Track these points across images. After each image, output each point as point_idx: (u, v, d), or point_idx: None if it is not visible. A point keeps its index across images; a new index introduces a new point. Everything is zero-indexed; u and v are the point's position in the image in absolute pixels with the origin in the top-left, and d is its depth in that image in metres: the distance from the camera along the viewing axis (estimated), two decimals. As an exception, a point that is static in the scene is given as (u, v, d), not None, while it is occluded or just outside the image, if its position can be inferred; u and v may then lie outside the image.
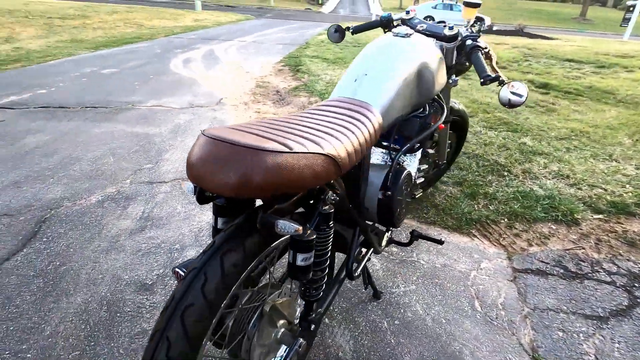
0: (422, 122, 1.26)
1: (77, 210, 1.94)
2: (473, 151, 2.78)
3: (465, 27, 1.40)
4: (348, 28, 1.58)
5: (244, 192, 0.58)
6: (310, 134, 0.72)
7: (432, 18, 1.54)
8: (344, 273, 1.08)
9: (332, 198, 0.77)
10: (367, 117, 0.94)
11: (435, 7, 17.40)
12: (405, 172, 1.21)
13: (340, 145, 0.76)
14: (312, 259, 0.74)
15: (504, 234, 1.91)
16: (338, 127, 0.82)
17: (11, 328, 1.28)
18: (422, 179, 1.60)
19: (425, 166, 1.52)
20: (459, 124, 1.99)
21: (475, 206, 2.11)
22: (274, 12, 21.05)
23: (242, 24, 12.48)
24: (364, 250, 1.23)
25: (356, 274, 1.11)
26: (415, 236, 1.43)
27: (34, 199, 2.02)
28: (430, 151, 1.49)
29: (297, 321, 0.92)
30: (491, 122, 3.39)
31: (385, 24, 1.51)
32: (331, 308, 1.41)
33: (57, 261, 1.59)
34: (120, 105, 3.58)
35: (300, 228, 0.65)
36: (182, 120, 3.26)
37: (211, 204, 0.73)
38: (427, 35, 1.38)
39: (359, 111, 0.95)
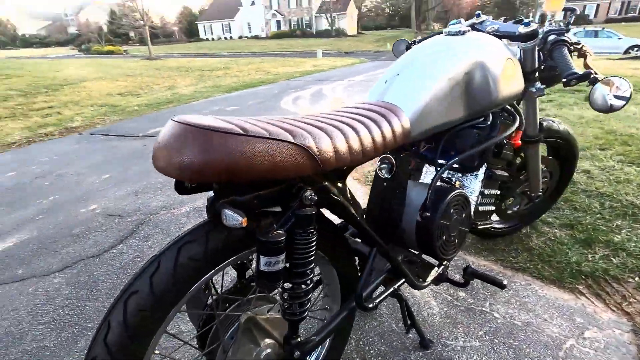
0: (478, 134, 1.05)
1: (169, 217, 2.22)
2: (597, 189, 2.20)
3: (549, 22, 1.15)
4: (414, 42, 1.47)
5: (188, 174, 0.55)
6: (291, 124, 0.66)
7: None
8: (354, 300, 0.92)
9: (311, 198, 0.67)
10: (386, 118, 0.82)
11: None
12: (454, 192, 1.00)
13: (325, 138, 0.67)
14: (279, 265, 0.64)
15: (632, 297, 1.40)
16: (336, 123, 0.73)
17: (87, 307, 1.48)
18: (491, 207, 1.29)
19: (494, 191, 1.23)
20: (562, 149, 1.61)
21: (590, 256, 1.62)
22: (389, 54, 21.70)
23: (356, 66, 13.19)
24: (391, 279, 1.04)
25: (371, 304, 0.93)
26: (469, 274, 1.16)
27: (143, 205, 2.40)
28: (500, 173, 1.21)
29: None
30: (632, 156, 2.66)
31: None
32: (366, 348, 1.22)
33: (139, 257, 1.81)
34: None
35: (244, 220, 0.57)
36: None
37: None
38: (500, 37, 1.18)
39: (379, 111, 0.84)
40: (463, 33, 1.03)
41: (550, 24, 1.18)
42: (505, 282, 1.17)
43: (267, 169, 0.59)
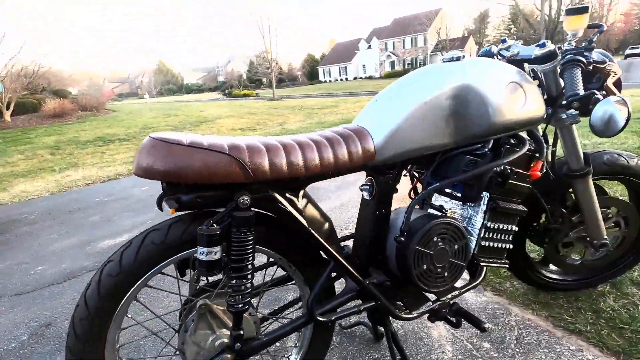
0: (473, 161, 0.99)
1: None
2: None
3: (569, 41, 1.04)
4: None
5: (145, 174, 0.73)
6: (239, 140, 0.79)
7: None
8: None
9: (243, 202, 0.77)
10: (346, 140, 0.88)
11: None
12: (438, 220, 0.97)
13: (262, 153, 0.78)
14: (214, 256, 0.75)
15: None
16: (287, 142, 0.83)
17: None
18: (504, 245, 1.11)
19: (507, 226, 1.08)
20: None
21: (688, 333, 1.24)
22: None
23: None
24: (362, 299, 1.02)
25: (325, 318, 0.93)
26: (454, 312, 1.04)
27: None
28: (512, 206, 1.06)
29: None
30: None
31: None
32: (358, 376, 1.19)
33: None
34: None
35: (173, 210, 0.71)
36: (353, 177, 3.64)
37: None
38: (518, 62, 1.11)
39: (342, 134, 0.90)
40: (458, 59, 1.02)
41: (570, 43, 1.06)
42: (486, 326, 1.03)
43: (202, 173, 0.73)
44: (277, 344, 1.30)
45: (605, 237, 1.31)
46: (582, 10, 1.02)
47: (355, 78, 49.14)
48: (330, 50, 57.02)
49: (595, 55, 1.05)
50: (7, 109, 13.49)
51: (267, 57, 26.24)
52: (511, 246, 1.11)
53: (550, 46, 1.03)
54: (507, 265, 1.13)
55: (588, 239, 1.33)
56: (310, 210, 0.93)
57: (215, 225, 0.77)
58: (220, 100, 29.79)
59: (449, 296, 1.10)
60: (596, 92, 0.86)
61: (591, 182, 1.21)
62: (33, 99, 15.90)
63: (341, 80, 50.93)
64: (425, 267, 0.98)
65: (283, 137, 0.87)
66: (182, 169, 0.72)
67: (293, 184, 0.87)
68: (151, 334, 0.96)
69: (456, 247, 1.01)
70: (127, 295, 0.81)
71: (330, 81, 51.98)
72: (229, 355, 0.86)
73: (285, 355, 1.08)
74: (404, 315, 1.03)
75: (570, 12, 1.04)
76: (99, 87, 56.03)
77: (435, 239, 0.98)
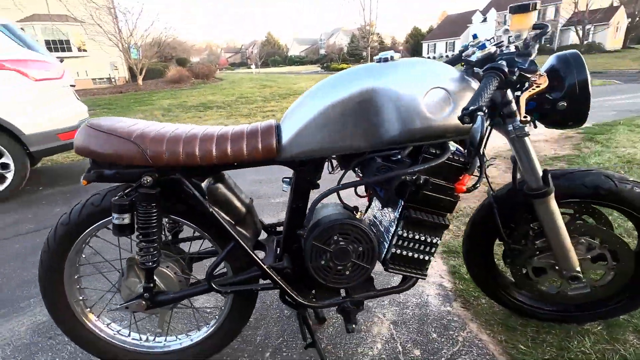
0: (386, 166, 0.97)
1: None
2: None
3: (511, 43, 0.91)
4: None
5: (78, 152, 0.95)
6: (150, 128, 0.95)
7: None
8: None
9: (146, 181, 0.93)
10: (251, 135, 0.97)
11: None
12: (340, 221, 1.00)
13: (161, 141, 0.92)
14: (124, 221, 0.95)
15: None
16: (195, 132, 0.96)
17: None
18: (420, 256, 1.05)
19: (423, 237, 1.02)
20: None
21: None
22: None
23: (594, 88, 10.55)
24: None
25: (220, 288, 1.05)
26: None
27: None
28: (421, 216, 0.99)
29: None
30: None
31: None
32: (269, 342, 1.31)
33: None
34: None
35: (85, 182, 0.91)
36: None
37: None
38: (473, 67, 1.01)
39: (251, 129, 0.99)
40: (386, 60, 0.98)
41: (507, 47, 0.91)
42: (350, 327, 1.07)
43: (112, 156, 0.92)
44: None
45: (578, 269, 1.13)
46: (527, 7, 0.88)
47: (463, 55, 44.79)
48: (439, 23, 52.79)
49: (528, 62, 0.89)
50: (140, 73, 16.08)
51: (368, 30, 25.68)
52: (429, 258, 1.06)
53: (490, 48, 0.92)
54: (422, 277, 1.09)
55: (557, 267, 1.17)
56: (221, 196, 1.05)
57: (125, 197, 0.95)
58: (317, 74, 30.49)
59: (364, 295, 1.12)
60: (483, 109, 0.75)
61: (553, 204, 1.06)
62: (160, 66, 18.61)
63: (446, 57, 47.03)
64: (323, 262, 1.03)
65: (196, 129, 1.00)
66: (99, 151, 0.92)
67: (200, 171, 1.00)
68: (98, 272, 1.22)
69: (360, 249, 1.03)
70: (77, 240, 1.06)
71: (434, 57, 48.45)
72: (143, 302, 1.06)
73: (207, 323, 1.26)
74: (306, 302, 1.10)
75: (514, 9, 0.91)
76: (216, 57, 62.30)
77: (335, 237, 1.01)
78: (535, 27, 0.93)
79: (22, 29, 3.80)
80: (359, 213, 1.17)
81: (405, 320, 1.43)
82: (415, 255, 1.05)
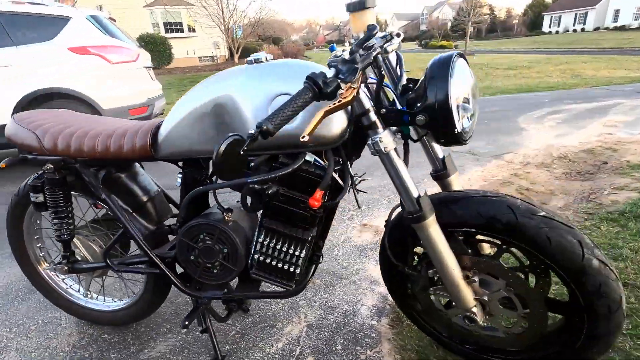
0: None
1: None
2: None
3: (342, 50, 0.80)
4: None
5: (5, 140, 1.16)
6: (55, 124, 1.10)
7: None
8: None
9: (47, 168, 1.08)
10: (134, 132, 1.05)
11: None
12: (201, 221, 1.04)
13: (56, 135, 1.07)
14: (38, 199, 1.13)
15: None
16: (86, 128, 1.09)
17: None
18: (285, 266, 1.02)
19: (285, 248, 0.98)
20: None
21: None
22: None
23: None
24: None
25: (115, 267, 1.18)
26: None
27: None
28: (274, 226, 0.95)
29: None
30: None
31: None
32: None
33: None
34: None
35: (3, 165, 1.10)
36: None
37: None
38: None
39: (137, 126, 1.07)
40: (252, 62, 0.94)
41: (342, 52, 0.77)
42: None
43: (22, 144, 1.10)
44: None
45: (471, 308, 0.97)
46: (363, 4, 0.74)
47: (596, 29, 37.28)
48: (569, -10, 44.40)
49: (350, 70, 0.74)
50: (237, 52, 17.40)
51: (475, 1, 23.12)
52: (294, 270, 1.02)
53: (338, 51, 0.81)
54: (289, 287, 1.05)
55: (454, 303, 1.01)
56: (121, 185, 1.17)
57: (37, 180, 1.14)
58: (413, 52, 28.85)
59: (243, 294, 1.15)
60: (272, 127, 0.66)
61: (433, 231, 0.91)
62: (255, 44, 19.82)
63: (573, 31, 39.59)
64: (192, 258, 1.08)
65: (103, 125, 1.12)
66: (15, 140, 1.12)
67: (96, 163, 1.13)
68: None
69: (225, 250, 1.05)
70: (28, 210, 1.31)
71: (557, 32, 41.30)
72: (64, 267, 1.27)
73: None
74: (188, 291, 1.16)
75: (351, 7, 0.78)
76: (314, 34, 63.40)
77: (201, 236, 1.05)
78: (368, 28, 0.79)
79: (111, 18, 4.47)
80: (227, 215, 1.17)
81: (322, 325, 1.40)
82: (279, 265, 1.03)
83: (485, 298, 0.98)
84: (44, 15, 3.72)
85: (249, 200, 1.00)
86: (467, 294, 0.96)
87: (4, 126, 1.28)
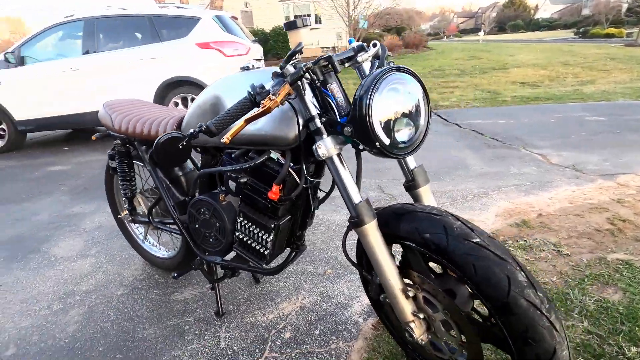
0: (222, 159, 1.18)
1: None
2: None
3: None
4: None
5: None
6: (128, 111, 1.47)
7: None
8: None
9: (115, 143, 1.45)
10: (169, 117, 1.35)
11: None
12: (202, 197, 1.27)
13: (121, 118, 1.44)
14: (112, 165, 1.55)
15: None
16: (155, 114, 1.44)
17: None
18: (257, 247, 1.19)
19: (257, 231, 1.15)
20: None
21: None
22: None
23: None
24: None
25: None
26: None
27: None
28: (246, 211, 1.15)
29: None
30: None
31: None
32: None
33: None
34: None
35: (94, 137, 1.51)
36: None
37: None
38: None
39: (173, 113, 1.37)
40: (244, 69, 1.09)
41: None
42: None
43: (106, 124, 1.51)
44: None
45: (409, 323, 0.95)
46: (294, 24, 0.80)
47: None
48: None
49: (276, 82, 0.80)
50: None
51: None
52: (265, 252, 1.16)
53: (287, 68, 0.90)
54: (260, 268, 1.19)
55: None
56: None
57: (112, 151, 1.54)
58: (566, 43, 24.45)
59: (234, 264, 1.35)
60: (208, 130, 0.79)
61: (371, 239, 0.92)
62: (377, 36, 19.74)
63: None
64: (196, 226, 1.33)
65: (148, 109, 1.45)
66: (102, 121, 1.54)
67: (146, 142, 1.46)
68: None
69: (217, 224, 1.26)
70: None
71: None
72: (129, 216, 1.68)
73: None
74: (198, 251, 1.42)
75: (286, 27, 0.84)
76: (446, 23, 59.25)
77: (202, 209, 1.28)
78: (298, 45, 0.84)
79: (233, 17, 5.18)
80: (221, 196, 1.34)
81: (313, 310, 1.52)
82: (253, 245, 1.19)
83: (422, 316, 0.96)
84: (182, 16, 4.57)
85: (232, 185, 1.19)
86: (405, 307, 0.96)
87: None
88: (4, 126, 4.77)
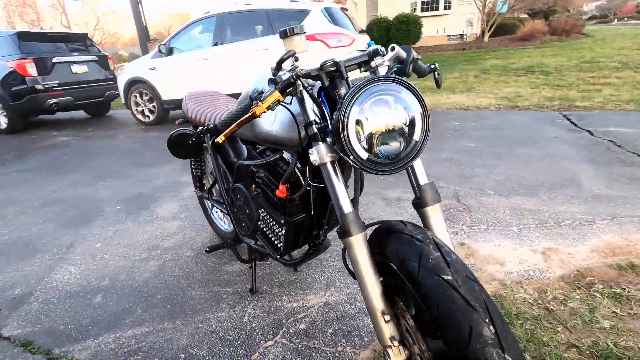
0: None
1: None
2: None
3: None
4: None
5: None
6: (203, 102, 1.69)
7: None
8: None
9: (200, 132, 1.69)
10: (227, 110, 1.51)
11: None
12: (237, 185, 1.40)
13: (193, 109, 1.66)
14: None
15: None
16: (216, 102, 1.63)
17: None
18: (271, 235, 1.23)
19: (271, 223, 1.20)
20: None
21: None
22: None
23: None
24: None
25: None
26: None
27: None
28: (262, 202, 1.17)
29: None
30: None
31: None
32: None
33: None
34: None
35: (177, 122, 1.78)
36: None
37: None
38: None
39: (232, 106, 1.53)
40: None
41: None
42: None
43: (184, 111, 1.77)
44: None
45: (386, 348, 0.89)
46: (285, 33, 0.79)
47: None
48: None
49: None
50: (489, 30, 15.86)
51: None
52: (278, 244, 1.21)
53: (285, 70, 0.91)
54: (273, 258, 1.25)
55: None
56: (220, 147, 1.67)
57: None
58: None
59: (264, 251, 1.45)
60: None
61: (355, 251, 0.88)
62: (515, 20, 17.31)
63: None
64: (234, 209, 1.47)
65: (216, 101, 1.64)
66: (182, 108, 1.80)
67: (218, 132, 1.66)
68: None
69: (247, 211, 1.37)
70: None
71: None
72: (199, 192, 1.95)
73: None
74: (239, 231, 1.57)
75: (280, 35, 0.82)
76: (622, 2, 47.76)
77: (238, 196, 1.41)
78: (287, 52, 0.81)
79: (342, 8, 5.25)
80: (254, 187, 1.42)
81: (334, 308, 1.53)
82: (270, 236, 1.26)
83: (395, 343, 0.88)
84: (294, 10, 4.86)
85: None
86: (383, 329, 0.90)
87: None
88: (155, 104, 5.93)
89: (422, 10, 18.27)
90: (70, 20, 33.27)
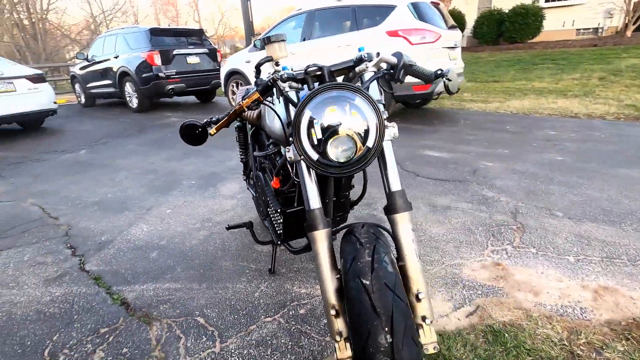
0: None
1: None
2: None
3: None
4: None
5: None
6: None
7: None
8: None
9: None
10: None
11: None
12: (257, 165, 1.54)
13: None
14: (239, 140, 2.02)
15: None
16: None
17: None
18: (275, 226, 1.32)
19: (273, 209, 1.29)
20: None
21: None
22: None
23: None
24: None
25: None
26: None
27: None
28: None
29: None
30: None
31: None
32: (287, 251, 1.98)
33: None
34: None
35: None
36: None
37: None
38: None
39: None
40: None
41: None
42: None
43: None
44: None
45: (334, 342, 0.92)
46: (267, 41, 0.84)
47: None
48: None
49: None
50: (635, 22, 13.16)
51: None
52: (278, 229, 1.31)
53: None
54: (275, 241, 1.35)
55: None
56: (256, 138, 1.82)
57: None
58: None
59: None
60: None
61: (318, 247, 0.94)
62: (676, 12, 13.95)
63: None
64: (256, 195, 1.62)
65: None
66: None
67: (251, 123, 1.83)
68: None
69: (263, 197, 1.50)
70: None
71: None
72: (244, 177, 2.16)
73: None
74: (260, 214, 1.72)
75: (261, 44, 0.88)
76: None
77: (258, 183, 1.56)
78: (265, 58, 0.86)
79: (433, 2, 4.99)
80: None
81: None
82: (273, 222, 1.37)
83: (338, 338, 0.90)
84: (379, 5, 4.82)
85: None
86: (332, 324, 0.93)
87: None
88: (247, 93, 6.55)
89: (546, 1, 15.99)
90: (200, 16, 38.20)
